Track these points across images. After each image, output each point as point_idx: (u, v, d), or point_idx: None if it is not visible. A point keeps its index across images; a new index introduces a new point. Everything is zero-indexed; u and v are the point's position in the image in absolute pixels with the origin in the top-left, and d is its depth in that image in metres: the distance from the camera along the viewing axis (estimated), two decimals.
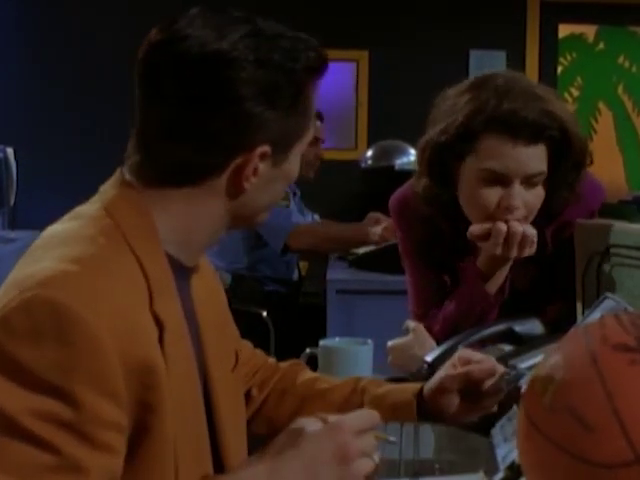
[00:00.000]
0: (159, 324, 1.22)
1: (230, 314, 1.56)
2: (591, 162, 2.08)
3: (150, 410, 1.19)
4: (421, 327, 2.08)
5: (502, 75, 2.01)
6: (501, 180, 1.97)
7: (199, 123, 1.26)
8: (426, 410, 1.61)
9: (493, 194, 1.98)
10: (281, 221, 4.26)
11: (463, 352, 1.67)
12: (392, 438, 1.35)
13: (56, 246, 1.22)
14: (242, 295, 4.33)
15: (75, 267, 1.16)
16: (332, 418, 1.20)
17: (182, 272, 1.32)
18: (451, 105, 2.01)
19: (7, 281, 1.20)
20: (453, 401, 1.61)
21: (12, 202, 5.60)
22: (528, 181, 1.97)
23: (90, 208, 1.29)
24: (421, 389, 1.64)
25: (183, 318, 1.29)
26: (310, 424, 1.19)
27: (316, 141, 4.79)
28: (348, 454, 1.15)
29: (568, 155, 1.98)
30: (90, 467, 1.10)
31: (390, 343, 2.07)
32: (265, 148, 1.27)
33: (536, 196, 2.00)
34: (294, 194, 4.62)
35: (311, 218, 4.83)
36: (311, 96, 1.33)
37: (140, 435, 1.19)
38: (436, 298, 2.18)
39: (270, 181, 1.32)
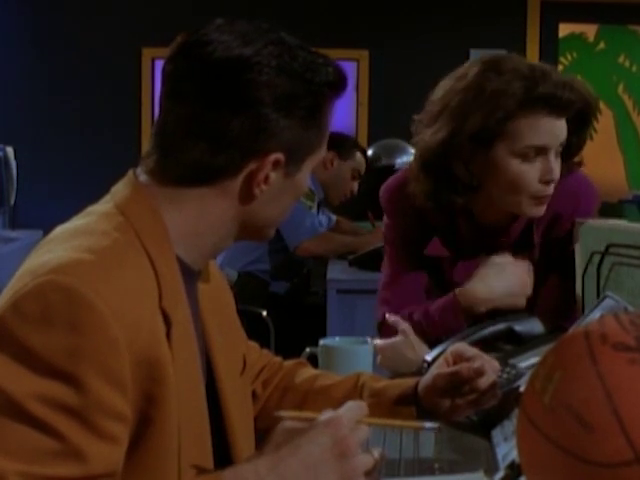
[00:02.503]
0: (167, 321, 1.23)
1: (238, 319, 1.57)
2: (581, 164, 2.16)
3: (154, 403, 1.20)
4: (410, 329, 2.07)
5: (508, 56, 2.08)
6: (539, 154, 2.02)
7: (216, 123, 1.27)
8: (422, 406, 1.61)
9: (534, 170, 2.03)
10: (305, 221, 4.29)
11: (456, 347, 1.67)
12: (431, 424, 1.36)
13: (69, 238, 1.23)
14: (243, 294, 4.35)
15: (89, 256, 1.18)
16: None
17: (190, 275, 1.34)
18: (462, 98, 2.03)
19: (19, 271, 1.21)
20: (445, 398, 1.61)
21: (12, 201, 5.60)
22: (557, 152, 2.05)
23: (102, 207, 1.31)
24: (417, 384, 1.64)
25: (190, 318, 1.31)
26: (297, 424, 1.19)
27: (358, 176, 4.82)
28: (348, 449, 1.15)
29: (590, 119, 2.07)
30: (91, 455, 1.11)
31: (379, 343, 2.07)
32: (278, 156, 1.29)
33: (560, 166, 2.07)
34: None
35: (327, 219, 4.84)
36: (328, 112, 1.34)
37: (143, 428, 1.20)
38: (413, 291, 2.20)
39: (280, 192, 1.33)
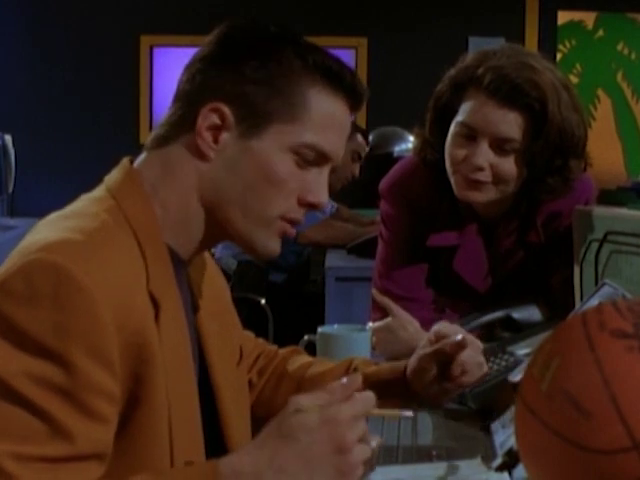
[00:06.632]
0: (155, 304, 1.23)
1: (234, 311, 1.56)
2: (587, 164, 2.10)
3: (142, 384, 1.19)
4: (399, 309, 2.07)
5: (505, 44, 2.08)
6: (471, 137, 2.00)
7: (180, 85, 1.32)
8: (412, 390, 1.60)
9: (461, 148, 2.02)
10: None
11: (438, 327, 1.65)
12: (408, 413, 1.31)
13: (59, 221, 1.24)
14: (242, 283, 4.34)
15: (78, 236, 1.18)
16: (325, 397, 1.18)
17: (179, 263, 1.33)
18: None
19: (11, 253, 1.21)
20: (432, 379, 1.60)
21: (11, 189, 5.60)
22: (498, 145, 1.99)
23: (95, 192, 1.32)
24: (405, 368, 1.64)
25: (180, 304, 1.30)
26: (304, 406, 1.17)
27: (358, 158, 4.80)
28: (345, 445, 1.12)
29: (543, 131, 1.97)
30: (78, 434, 1.11)
31: (374, 325, 2.07)
32: (218, 105, 1.27)
33: (507, 164, 2.01)
34: None
35: (330, 206, 4.83)
36: (306, 91, 1.29)
37: (132, 409, 1.19)
38: (416, 281, 2.20)
39: (236, 159, 1.29)
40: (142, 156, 1.34)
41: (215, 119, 1.27)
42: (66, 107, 6.24)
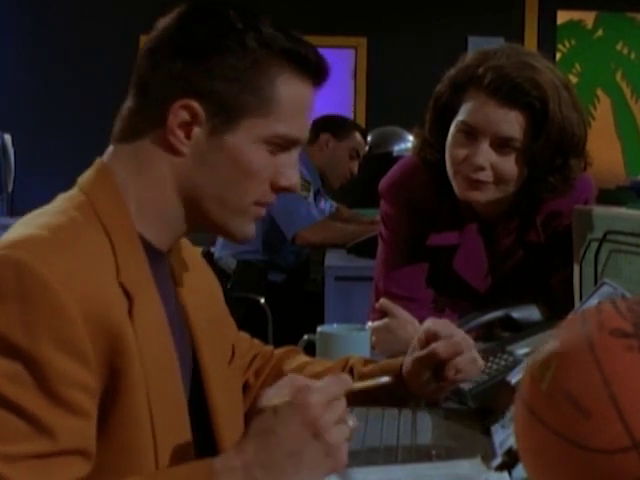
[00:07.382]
0: (128, 296, 1.22)
1: (227, 310, 1.56)
2: (587, 164, 2.09)
3: (119, 375, 1.19)
4: (399, 308, 2.07)
5: (504, 44, 2.09)
6: (472, 136, 2.00)
7: (144, 74, 1.32)
8: (409, 389, 1.60)
9: (462, 148, 2.02)
10: (300, 210, 4.28)
11: (428, 323, 1.63)
12: (384, 379, 1.36)
13: (31, 219, 1.26)
14: (242, 282, 4.34)
15: (43, 232, 1.19)
16: (299, 381, 1.18)
17: (155, 255, 1.32)
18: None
19: None
20: (427, 379, 1.60)
21: (10, 188, 5.60)
22: (499, 144, 2.00)
23: (69, 191, 1.33)
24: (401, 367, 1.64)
25: (157, 295, 1.29)
26: (277, 397, 1.17)
27: (356, 156, 4.81)
28: (319, 429, 1.13)
29: (544, 129, 1.98)
30: (59, 430, 1.11)
31: (373, 324, 2.07)
32: (188, 102, 1.27)
33: (508, 163, 2.01)
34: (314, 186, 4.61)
35: (330, 207, 4.83)
36: (274, 80, 1.29)
37: (110, 401, 1.19)
38: (416, 281, 2.21)
39: (210, 154, 1.29)
40: (110, 149, 1.34)
41: (186, 116, 1.27)
42: (66, 107, 6.24)
